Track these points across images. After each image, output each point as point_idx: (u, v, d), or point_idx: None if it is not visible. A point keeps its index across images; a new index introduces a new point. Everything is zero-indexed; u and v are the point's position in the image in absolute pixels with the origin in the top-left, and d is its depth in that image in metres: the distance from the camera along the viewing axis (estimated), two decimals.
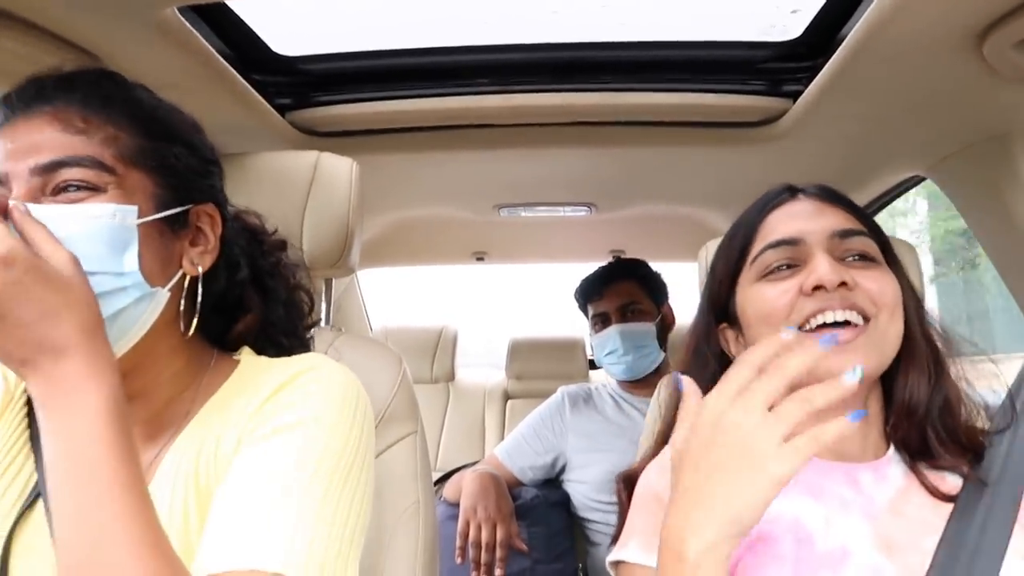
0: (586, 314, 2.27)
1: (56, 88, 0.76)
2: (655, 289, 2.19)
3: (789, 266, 0.89)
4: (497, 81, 1.56)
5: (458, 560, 1.73)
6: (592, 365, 3.20)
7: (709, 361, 0.98)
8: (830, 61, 1.30)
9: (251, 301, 0.91)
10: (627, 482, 0.97)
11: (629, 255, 2.93)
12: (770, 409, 0.64)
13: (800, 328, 0.85)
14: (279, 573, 0.64)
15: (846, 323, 0.83)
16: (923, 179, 1.78)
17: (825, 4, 1.32)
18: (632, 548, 0.87)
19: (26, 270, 0.62)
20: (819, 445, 0.62)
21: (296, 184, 1.17)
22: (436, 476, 2.00)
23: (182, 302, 0.81)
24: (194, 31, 1.17)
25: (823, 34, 1.36)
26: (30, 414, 0.80)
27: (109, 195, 0.73)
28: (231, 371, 0.85)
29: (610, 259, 2.99)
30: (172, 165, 0.80)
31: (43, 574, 0.71)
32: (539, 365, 3.04)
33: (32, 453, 0.78)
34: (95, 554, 0.60)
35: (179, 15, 1.11)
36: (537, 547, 1.83)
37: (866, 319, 0.84)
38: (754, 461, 0.63)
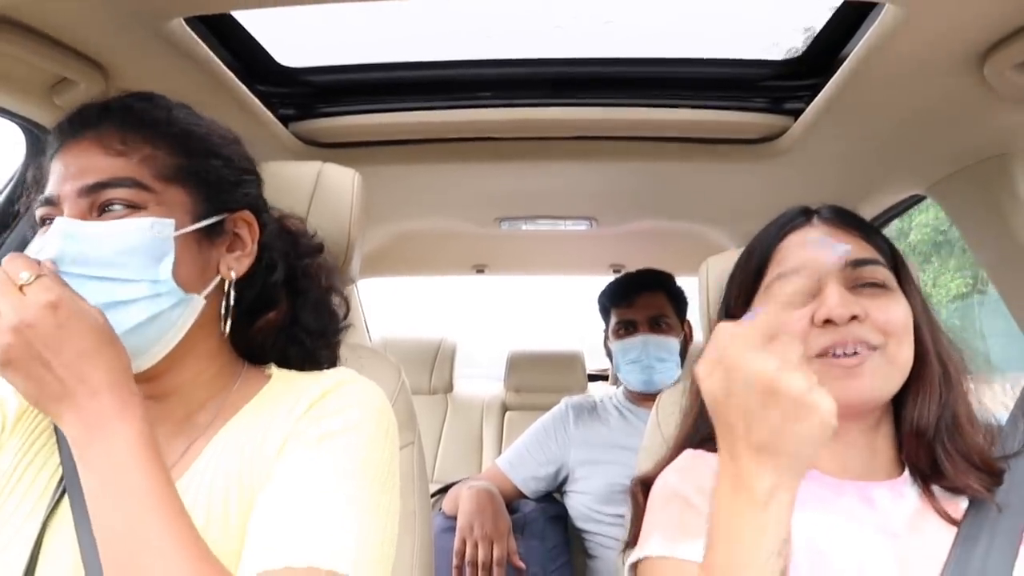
0: (607, 318, 2.24)
1: (98, 115, 0.83)
2: (681, 304, 2.17)
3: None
4: (500, 95, 1.56)
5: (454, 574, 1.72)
6: (591, 378, 3.20)
7: None
8: (831, 80, 1.30)
9: (276, 301, 0.94)
10: (643, 486, 0.98)
11: (629, 269, 2.93)
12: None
13: (812, 358, 0.87)
14: (333, 570, 0.70)
15: (855, 353, 0.85)
16: (923, 198, 1.79)
17: (827, 23, 1.32)
18: (654, 543, 0.87)
19: (69, 315, 0.69)
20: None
21: (299, 194, 1.18)
22: (433, 488, 1.99)
23: (222, 305, 0.87)
24: (200, 42, 1.18)
25: (825, 53, 1.37)
26: None
27: (149, 211, 0.80)
28: (263, 383, 0.90)
29: (610, 273, 3.00)
30: (208, 178, 0.86)
31: (69, 570, 0.73)
32: (538, 378, 3.03)
33: (57, 448, 0.81)
34: (140, 561, 0.66)
35: (185, 26, 1.12)
36: (534, 561, 1.82)
37: (874, 349, 0.86)
38: (803, 403, 0.65)
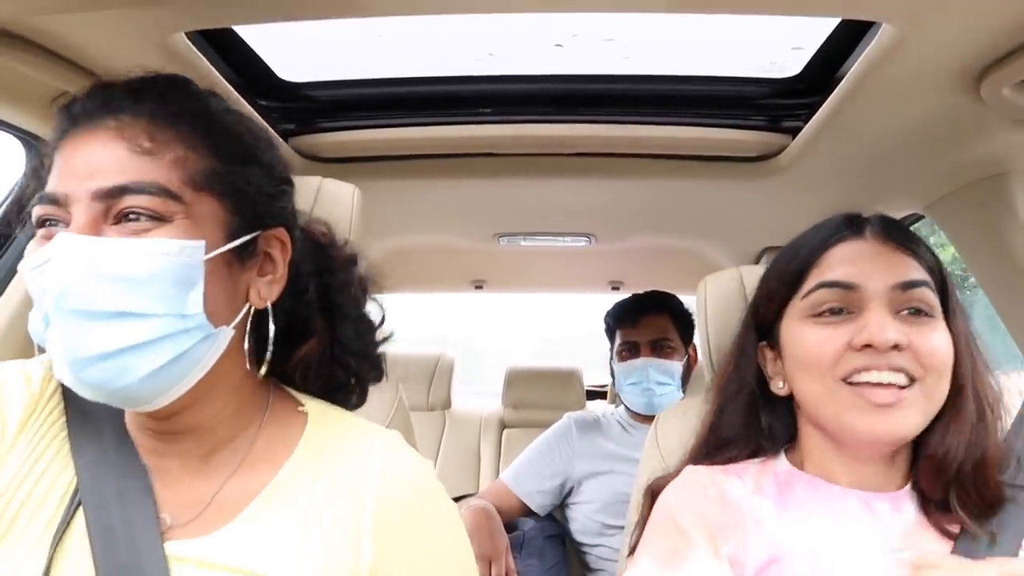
0: (612, 337, 2.24)
1: (124, 99, 0.71)
2: (686, 327, 2.17)
3: (842, 310, 0.86)
4: (500, 111, 1.57)
5: None
6: (590, 395, 3.19)
7: (745, 376, 0.98)
8: (829, 98, 1.31)
9: (316, 324, 0.84)
10: (653, 495, 0.98)
11: (628, 287, 2.93)
12: None
13: (844, 380, 0.83)
14: None
15: (892, 385, 0.82)
16: (921, 217, 1.79)
17: (824, 42, 1.33)
18: (644, 567, 0.87)
19: None
20: None
21: (298, 209, 1.18)
22: None
23: (246, 337, 0.76)
24: (201, 56, 1.18)
25: (822, 72, 1.38)
26: (68, 420, 0.76)
27: (175, 225, 0.67)
28: (300, 422, 0.80)
29: (609, 290, 3.00)
30: (244, 188, 0.74)
31: None
32: (536, 395, 3.02)
33: (71, 459, 0.73)
34: None
35: (187, 40, 1.13)
36: None
37: (912, 380, 0.82)
38: None
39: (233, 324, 0.73)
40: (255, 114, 1.41)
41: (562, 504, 2.05)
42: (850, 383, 0.83)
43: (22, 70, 1.03)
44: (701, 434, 1.02)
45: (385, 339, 0.92)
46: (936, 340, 0.84)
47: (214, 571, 0.69)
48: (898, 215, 1.84)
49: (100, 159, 0.67)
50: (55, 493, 0.72)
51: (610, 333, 2.25)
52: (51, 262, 0.64)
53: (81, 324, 0.64)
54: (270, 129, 1.49)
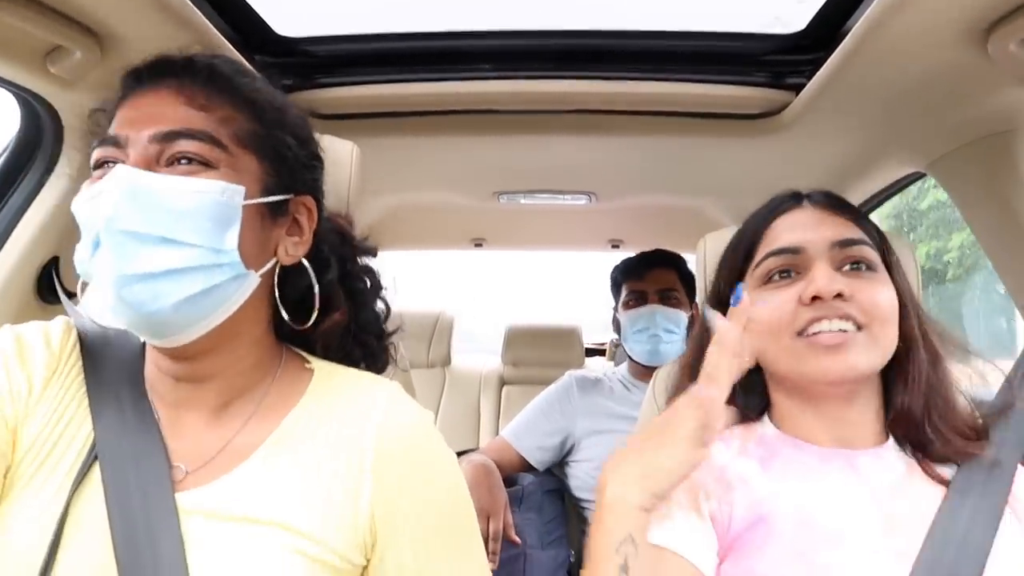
0: (618, 293, 2.25)
1: (183, 67, 0.80)
2: (690, 285, 2.19)
3: (790, 273, 0.95)
4: (499, 67, 1.55)
5: None
6: (589, 353, 3.20)
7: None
8: (833, 55, 1.29)
9: (338, 300, 0.92)
10: None
11: (628, 245, 2.93)
12: None
13: (799, 334, 0.91)
14: None
15: (841, 331, 0.89)
16: (923, 175, 1.78)
17: None
18: None
19: None
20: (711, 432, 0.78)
21: None
22: None
23: (276, 292, 0.84)
24: (196, 10, 1.16)
25: (827, 27, 1.36)
26: (87, 378, 0.81)
27: (220, 172, 0.76)
28: (307, 376, 0.87)
29: (609, 249, 3.00)
30: (282, 153, 0.83)
31: (96, 538, 0.72)
32: (536, 352, 3.04)
33: (91, 415, 0.79)
34: None
35: None
36: (530, 534, 1.83)
37: (859, 327, 0.89)
38: (675, 437, 0.79)
39: (261, 272, 0.80)
40: (252, 70, 1.40)
41: (562, 461, 2.07)
42: (804, 336, 0.90)
43: (15, 24, 1.01)
44: (675, 389, 1.05)
45: (395, 330, 1.01)
46: (879, 290, 0.91)
47: (221, 522, 0.74)
48: (900, 173, 1.84)
49: (160, 109, 0.76)
50: (75, 445, 0.77)
51: (616, 287, 2.26)
52: (105, 192, 0.72)
53: (128, 245, 0.71)
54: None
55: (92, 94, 1.22)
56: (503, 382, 3.08)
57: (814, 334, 0.89)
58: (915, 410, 0.92)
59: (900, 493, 0.88)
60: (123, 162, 0.74)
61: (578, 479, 2.02)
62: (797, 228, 0.97)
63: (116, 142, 0.75)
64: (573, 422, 2.04)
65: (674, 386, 1.05)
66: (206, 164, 0.75)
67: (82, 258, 0.74)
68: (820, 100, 1.46)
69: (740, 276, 1.01)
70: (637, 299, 2.15)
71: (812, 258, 0.93)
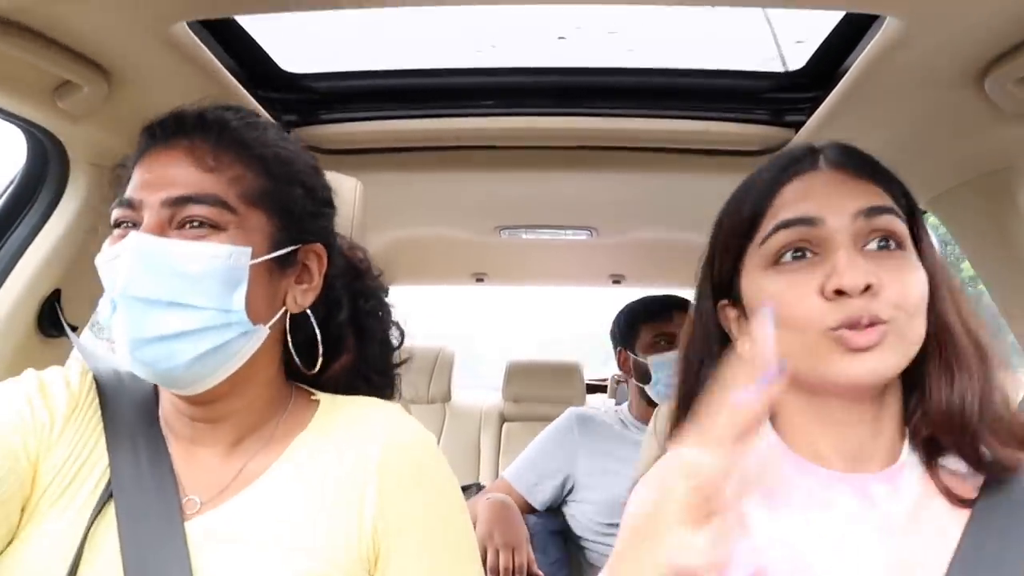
0: (632, 334, 2.18)
1: (194, 125, 0.82)
2: None
3: (805, 252, 0.78)
4: (502, 103, 1.56)
5: None
6: (590, 389, 3.18)
7: (710, 343, 0.90)
8: (832, 93, 1.31)
9: (348, 342, 0.95)
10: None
11: (629, 280, 2.93)
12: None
13: (821, 333, 0.76)
14: None
15: (870, 327, 0.74)
16: (923, 212, 1.79)
17: (829, 36, 1.33)
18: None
19: None
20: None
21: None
22: None
23: (288, 337, 0.88)
24: (203, 46, 1.18)
25: (826, 66, 1.38)
26: (105, 417, 0.85)
27: (229, 234, 0.79)
28: (313, 407, 0.89)
29: (610, 284, 3.00)
30: (290, 207, 0.85)
31: (109, 567, 0.74)
32: (536, 389, 3.02)
33: (107, 451, 0.82)
34: None
35: (189, 30, 1.12)
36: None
37: (884, 322, 0.74)
38: (666, 524, 0.59)
39: (270, 324, 0.84)
40: (257, 106, 1.41)
41: (563, 501, 2.05)
42: (833, 333, 0.75)
43: (24, 59, 1.03)
44: (672, 416, 0.94)
45: (403, 362, 1.03)
46: (909, 278, 0.77)
47: (228, 544, 0.77)
48: None
49: (171, 173, 0.79)
50: (91, 480, 0.81)
51: (632, 328, 2.18)
52: (121, 257, 0.76)
53: (141, 309, 0.76)
54: (271, 119, 1.49)
55: (99, 129, 1.23)
56: (503, 418, 3.06)
57: (842, 331, 0.74)
58: (966, 407, 0.76)
59: (914, 528, 0.76)
60: (138, 224, 0.78)
61: (578, 521, 1.99)
62: (812, 195, 0.80)
63: (131, 205, 0.79)
64: (574, 462, 2.02)
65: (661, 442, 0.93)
66: (215, 227, 0.78)
67: (104, 313, 0.79)
68: (819, 137, 1.46)
69: (740, 253, 0.85)
70: (668, 342, 2.08)
71: (831, 233, 0.77)
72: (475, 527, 1.76)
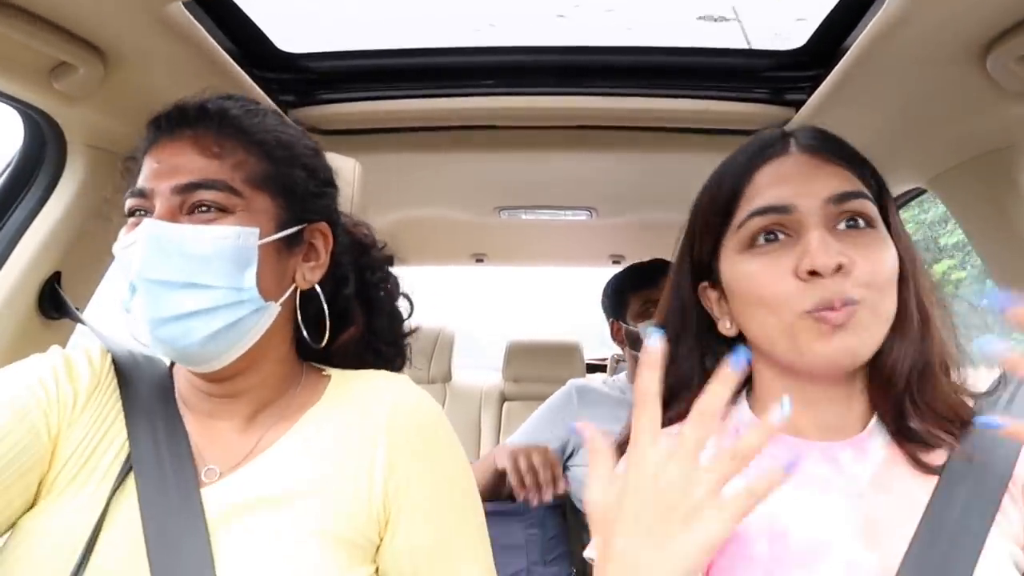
0: (621, 303, 2.18)
1: (196, 115, 0.86)
2: None
3: (778, 235, 0.82)
4: (501, 83, 1.56)
5: (520, 495, 1.72)
6: (590, 368, 3.19)
7: (691, 322, 0.93)
8: (833, 71, 1.30)
9: (355, 315, 1.00)
10: (620, 449, 0.87)
11: (629, 260, 2.92)
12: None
13: (798, 313, 0.79)
14: None
15: (844, 307, 0.77)
16: (923, 191, 1.79)
17: (829, 14, 1.32)
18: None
19: None
20: (754, 501, 0.60)
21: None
22: None
23: (297, 316, 0.92)
24: (199, 26, 1.17)
25: (827, 44, 1.37)
26: (122, 394, 0.89)
27: (236, 216, 0.83)
28: (325, 382, 0.94)
29: (610, 264, 3.00)
30: (292, 188, 0.89)
31: (130, 544, 0.77)
32: (537, 368, 3.03)
33: (126, 428, 0.85)
34: None
35: (184, 10, 1.12)
36: (533, 550, 1.83)
37: (856, 302, 0.78)
38: (684, 529, 0.60)
39: (280, 301, 0.88)
40: (254, 86, 1.40)
41: (565, 466, 2.06)
42: (809, 314, 0.78)
43: (20, 40, 1.02)
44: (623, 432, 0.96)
45: (412, 331, 1.08)
46: (880, 256, 0.80)
47: (245, 512, 0.80)
48: (901, 189, 1.84)
49: (179, 161, 0.83)
50: (109, 455, 0.84)
51: (621, 298, 2.18)
52: (137, 243, 0.80)
53: (158, 291, 0.80)
54: (268, 100, 1.48)
55: (95, 110, 1.23)
56: (504, 398, 3.07)
57: (818, 313, 0.77)
58: (897, 379, 0.82)
59: (882, 488, 0.80)
60: (151, 211, 0.82)
61: (580, 481, 2.01)
62: (785, 181, 0.83)
63: (143, 194, 0.84)
64: (574, 428, 2.03)
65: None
66: (223, 210, 0.82)
67: (123, 297, 0.83)
68: (820, 116, 1.46)
69: (718, 238, 0.88)
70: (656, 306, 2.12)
71: (804, 218, 0.80)
72: (502, 458, 1.78)
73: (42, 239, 1.29)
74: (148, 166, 0.85)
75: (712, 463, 0.62)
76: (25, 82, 1.12)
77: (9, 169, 1.32)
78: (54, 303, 1.30)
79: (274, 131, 0.90)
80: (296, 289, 0.91)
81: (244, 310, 0.83)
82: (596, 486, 0.69)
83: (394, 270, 1.08)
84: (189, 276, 0.80)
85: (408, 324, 1.08)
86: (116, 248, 0.84)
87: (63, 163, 1.31)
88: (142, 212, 0.84)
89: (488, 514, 1.96)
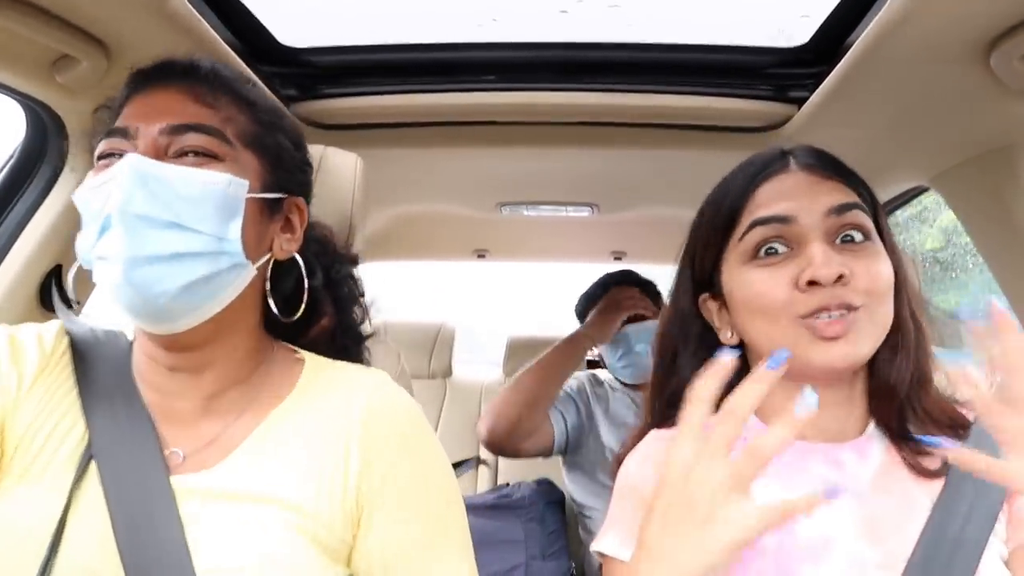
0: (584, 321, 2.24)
1: (187, 70, 0.84)
2: (654, 295, 2.19)
3: (780, 247, 0.85)
4: (504, 78, 1.56)
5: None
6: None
7: (691, 333, 0.96)
8: (836, 68, 1.30)
9: (325, 307, 0.98)
10: (619, 462, 0.96)
11: (630, 257, 2.93)
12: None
13: (797, 319, 0.83)
14: None
15: (841, 316, 0.81)
16: (926, 189, 1.78)
17: (833, 11, 1.31)
18: (610, 541, 0.87)
19: None
20: (782, 519, 0.62)
21: None
22: None
23: (267, 284, 0.88)
24: (202, 20, 1.17)
25: (830, 41, 1.36)
26: (78, 377, 0.84)
27: (225, 165, 0.80)
28: (298, 367, 0.90)
29: (611, 260, 3.00)
30: (279, 154, 0.88)
31: (97, 526, 0.74)
32: None
33: (83, 415, 0.81)
34: None
35: (187, 3, 1.12)
36: (533, 544, 1.83)
37: (855, 308, 0.82)
38: (707, 524, 0.63)
39: (257, 264, 0.84)
40: (256, 80, 1.40)
41: (566, 461, 2.07)
42: (806, 320, 0.82)
43: (22, 33, 1.02)
44: (649, 397, 1.00)
45: (371, 335, 1.06)
46: (877, 267, 0.83)
47: (217, 501, 0.77)
48: (904, 187, 1.84)
49: (171, 104, 0.80)
50: (69, 442, 0.79)
51: (584, 318, 2.24)
52: (117, 178, 0.75)
53: (139, 227, 0.74)
54: (270, 94, 1.48)
55: (97, 103, 1.23)
56: None
57: (815, 319, 0.81)
58: (899, 387, 0.86)
59: (883, 490, 0.83)
60: (132, 152, 0.77)
61: (578, 482, 2.01)
62: (786, 195, 0.87)
63: (125, 133, 0.79)
64: (594, 412, 2.05)
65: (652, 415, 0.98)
66: (212, 157, 0.79)
67: (85, 245, 0.78)
68: (823, 114, 1.46)
69: (719, 250, 0.92)
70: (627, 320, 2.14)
71: (805, 230, 0.84)
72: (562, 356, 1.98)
73: (44, 232, 1.29)
74: (132, 109, 0.81)
75: (736, 461, 0.64)
76: (27, 75, 1.12)
77: (11, 162, 1.32)
78: (56, 295, 1.30)
79: (264, 97, 0.89)
80: (271, 259, 0.88)
81: (223, 263, 0.78)
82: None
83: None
84: (175, 216, 0.75)
85: (364, 328, 1.05)
86: (80, 192, 0.79)
87: (65, 156, 1.31)
88: (119, 155, 0.78)
89: (487, 508, 1.99)
